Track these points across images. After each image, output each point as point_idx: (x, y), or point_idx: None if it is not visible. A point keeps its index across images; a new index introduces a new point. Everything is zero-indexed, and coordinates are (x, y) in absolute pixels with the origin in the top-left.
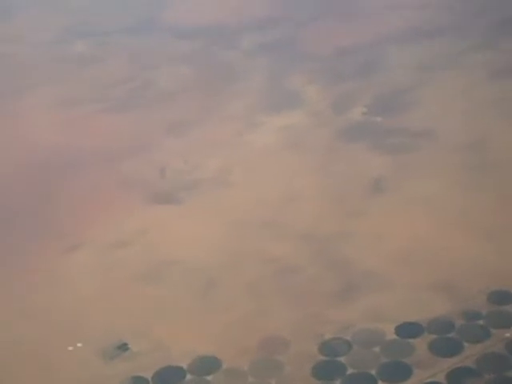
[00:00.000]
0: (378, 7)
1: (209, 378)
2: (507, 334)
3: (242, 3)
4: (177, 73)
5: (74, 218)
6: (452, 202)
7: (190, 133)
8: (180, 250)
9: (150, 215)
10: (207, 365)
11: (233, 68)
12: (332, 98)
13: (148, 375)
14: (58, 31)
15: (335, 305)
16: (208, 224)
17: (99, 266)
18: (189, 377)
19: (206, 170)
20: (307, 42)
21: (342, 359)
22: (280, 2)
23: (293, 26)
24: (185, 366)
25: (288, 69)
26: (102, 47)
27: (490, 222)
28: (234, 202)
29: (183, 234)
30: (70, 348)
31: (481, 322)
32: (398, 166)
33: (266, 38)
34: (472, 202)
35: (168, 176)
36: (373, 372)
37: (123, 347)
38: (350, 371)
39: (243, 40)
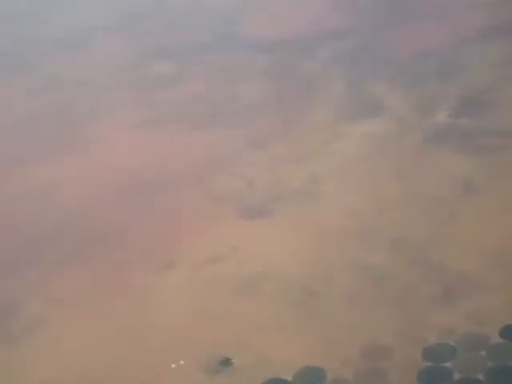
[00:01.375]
0: (453, 6)
1: None
2: None
3: (316, 14)
4: (256, 87)
5: (166, 236)
6: None
7: (274, 146)
8: (274, 262)
9: (241, 229)
10: (312, 376)
11: (312, 79)
12: (414, 102)
13: None
14: (135, 55)
15: (435, 310)
16: (300, 236)
17: (195, 283)
18: None
19: (293, 182)
20: (384, 47)
21: (448, 364)
22: (354, 10)
23: (368, 33)
24: (289, 378)
25: (367, 76)
26: (181, 67)
27: None
28: (324, 213)
29: (276, 246)
30: (173, 366)
31: None
32: (488, 166)
33: (343, 47)
34: None
35: (256, 189)
36: (480, 376)
37: (226, 362)
38: (456, 376)
39: (320, 50)
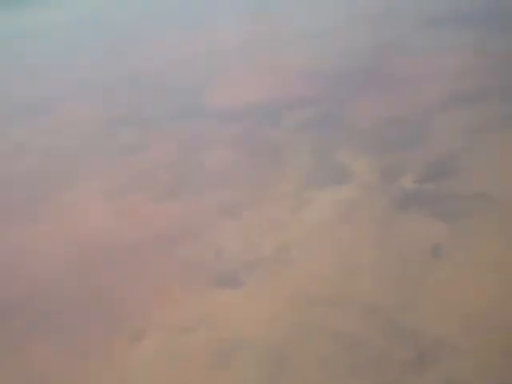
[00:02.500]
0: (415, 76)
1: None
2: None
3: (280, 82)
4: (223, 155)
5: (135, 304)
6: None
7: (243, 213)
8: (246, 330)
9: (212, 298)
10: None
11: (279, 146)
12: (381, 168)
13: None
14: (100, 122)
15: (409, 375)
16: (271, 303)
17: (166, 354)
18: None
19: (263, 250)
20: (350, 115)
21: None
22: (319, 78)
23: (334, 101)
24: None
25: (334, 143)
26: (147, 135)
27: None
28: (295, 280)
29: (247, 314)
30: None
31: None
32: (457, 231)
33: (309, 115)
34: None
35: (226, 257)
36: None
37: None
38: None
39: (286, 119)
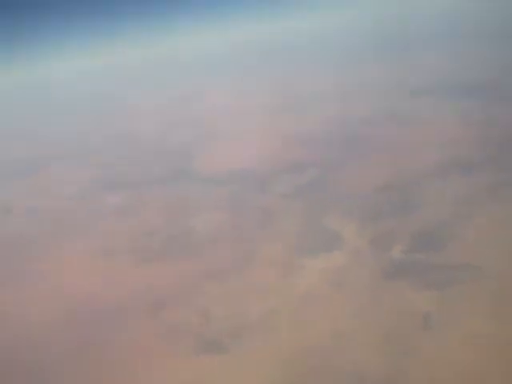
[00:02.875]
0: (404, 145)
1: None
2: None
3: (272, 148)
4: (214, 219)
5: (120, 368)
6: (503, 336)
7: (231, 278)
8: None
9: (197, 364)
10: None
11: (269, 211)
12: (371, 236)
13: None
14: (87, 183)
15: None
16: (257, 371)
17: None
18: None
19: (250, 316)
20: (339, 182)
21: None
22: (308, 145)
23: (324, 167)
24: None
25: (324, 209)
26: (134, 198)
27: None
28: (282, 348)
29: (233, 380)
30: None
31: None
32: (445, 301)
33: (299, 181)
34: None
35: (213, 323)
36: None
37: None
38: None
39: (277, 183)
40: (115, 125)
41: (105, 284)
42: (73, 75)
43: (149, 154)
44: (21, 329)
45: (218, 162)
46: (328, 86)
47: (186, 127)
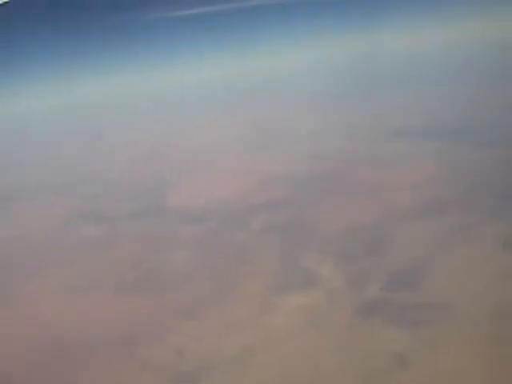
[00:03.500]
0: (378, 184)
1: None
2: None
3: (245, 186)
4: (189, 256)
5: None
6: (477, 376)
7: (206, 315)
8: None
9: None
10: None
11: (245, 248)
12: (347, 275)
13: None
14: (63, 216)
15: None
16: None
17: None
18: None
19: (225, 353)
20: (315, 221)
21: None
22: (283, 183)
23: (299, 206)
24: None
25: (300, 248)
26: (109, 232)
27: None
28: None
29: None
30: None
31: None
32: (421, 340)
33: (274, 219)
34: (498, 375)
35: (187, 359)
36: None
37: None
38: None
39: (252, 221)
40: (91, 159)
41: (78, 318)
42: (47, 108)
43: (123, 189)
44: None
45: (193, 199)
46: (303, 126)
47: (161, 163)
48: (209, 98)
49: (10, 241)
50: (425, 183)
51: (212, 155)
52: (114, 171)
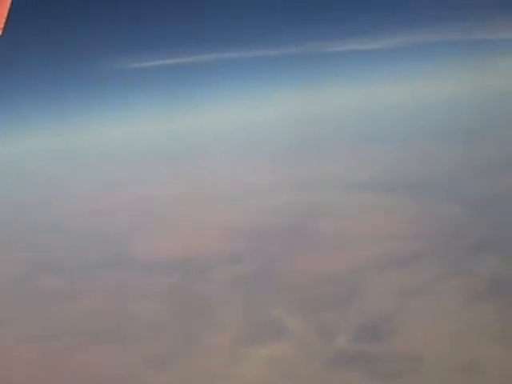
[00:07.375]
0: (341, 236)
1: None
2: None
3: (208, 237)
4: (153, 306)
5: None
6: None
7: (172, 367)
8: None
9: None
10: None
11: (210, 300)
12: (315, 326)
13: None
14: (22, 266)
15: None
16: None
17: None
18: None
19: None
20: (280, 272)
21: None
22: (247, 236)
23: (264, 258)
24: None
25: (265, 299)
26: (71, 282)
27: None
28: None
29: None
30: None
31: None
32: None
33: (239, 271)
34: None
35: None
36: None
37: None
38: None
39: (216, 273)
40: (51, 207)
41: (40, 371)
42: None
43: (85, 240)
44: None
45: (156, 250)
46: (265, 179)
47: (122, 215)
48: (171, 151)
49: None
50: (388, 236)
51: (174, 207)
52: (74, 220)
